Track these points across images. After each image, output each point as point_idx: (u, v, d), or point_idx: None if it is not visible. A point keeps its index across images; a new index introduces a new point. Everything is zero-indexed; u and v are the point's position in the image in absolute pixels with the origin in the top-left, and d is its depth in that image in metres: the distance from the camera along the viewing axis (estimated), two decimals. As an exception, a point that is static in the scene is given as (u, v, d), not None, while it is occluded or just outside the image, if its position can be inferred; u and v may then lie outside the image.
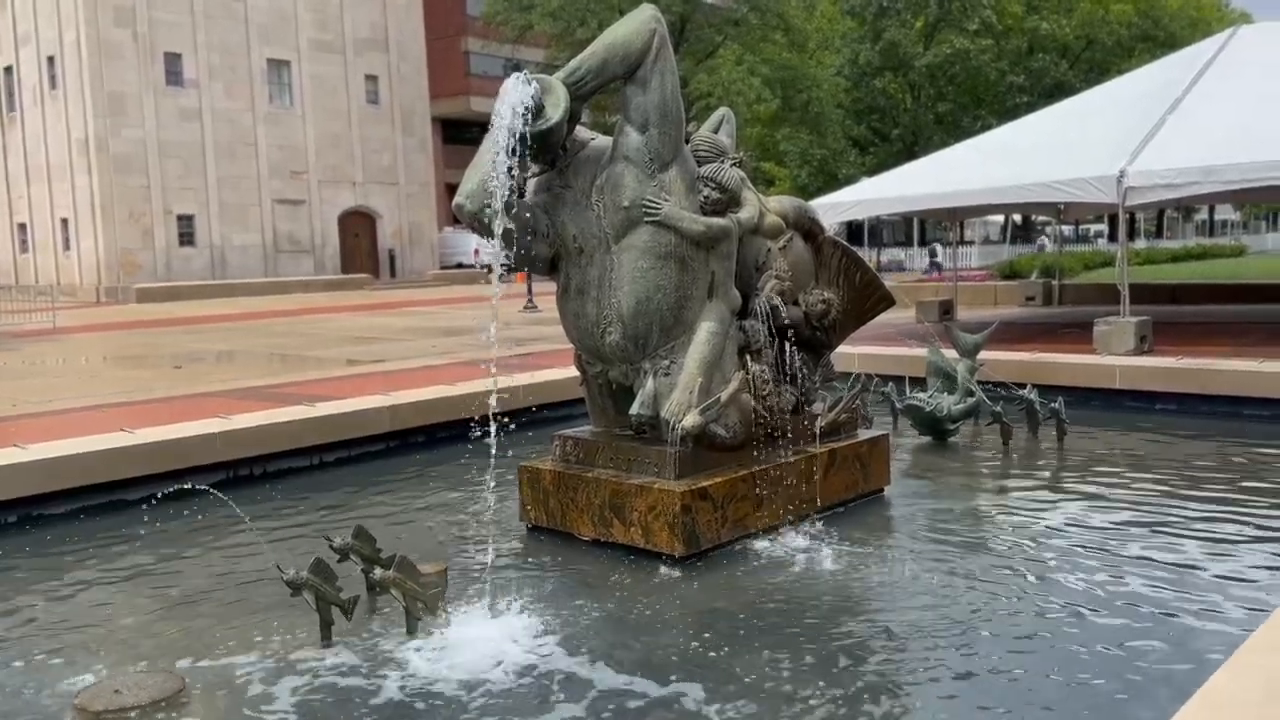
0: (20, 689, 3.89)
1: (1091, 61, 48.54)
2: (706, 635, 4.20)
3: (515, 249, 5.20)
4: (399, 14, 45.69)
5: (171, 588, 5.03)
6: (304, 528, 6.02)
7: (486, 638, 4.14)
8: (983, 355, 8.60)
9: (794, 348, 5.93)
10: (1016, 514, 5.94)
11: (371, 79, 44.67)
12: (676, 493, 5.02)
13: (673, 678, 3.79)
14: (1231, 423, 8.32)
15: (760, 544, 5.35)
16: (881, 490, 6.39)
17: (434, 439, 8.19)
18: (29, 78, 40.46)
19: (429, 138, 47.78)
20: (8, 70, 41.94)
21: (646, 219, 5.15)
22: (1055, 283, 21.90)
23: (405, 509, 6.52)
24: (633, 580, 4.91)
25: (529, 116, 4.90)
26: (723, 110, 6.33)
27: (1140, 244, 48.17)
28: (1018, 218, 53.76)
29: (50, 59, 38.95)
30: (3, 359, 15.80)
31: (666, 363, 5.29)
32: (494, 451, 4.95)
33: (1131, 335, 11.86)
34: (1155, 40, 46.59)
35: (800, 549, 5.28)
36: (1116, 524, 5.62)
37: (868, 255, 34.30)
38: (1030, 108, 27.60)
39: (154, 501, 5.79)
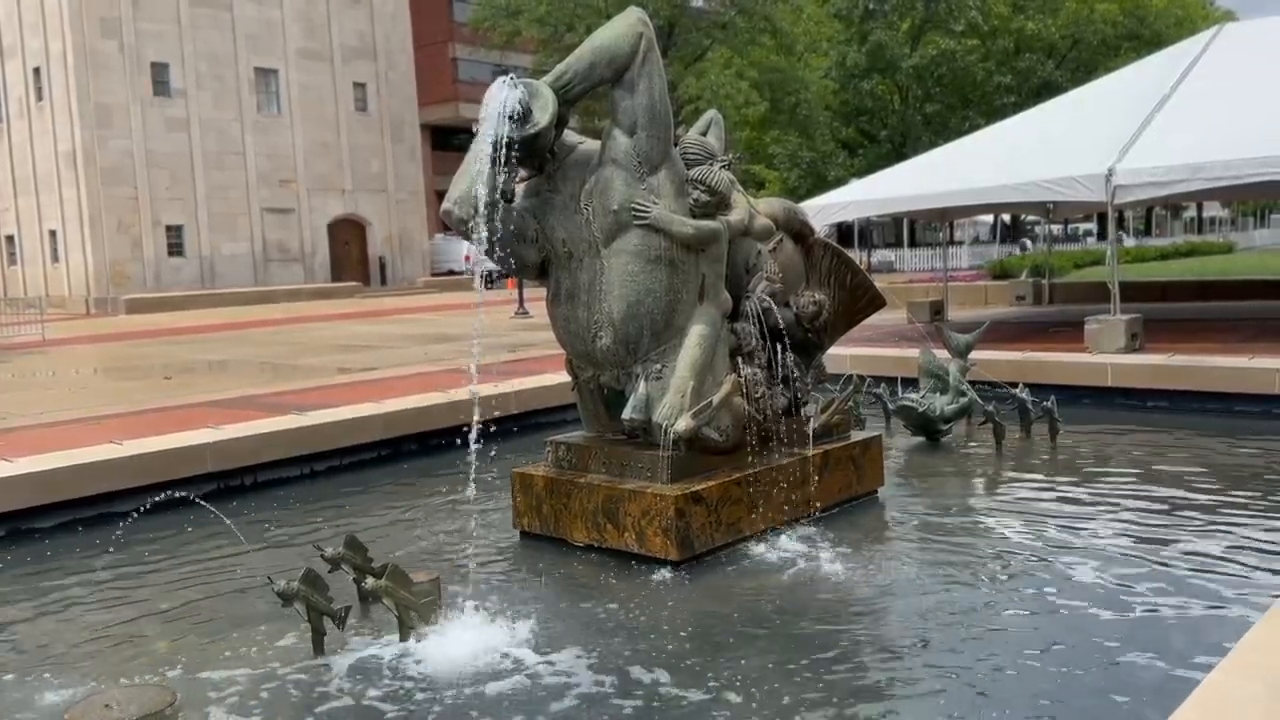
0: (9, 704, 3.85)
1: (1078, 61, 48.67)
2: (701, 640, 4.18)
3: (504, 254, 5.19)
4: (386, 22, 45.63)
5: (161, 600, 4.99)
6: (295, 538, 5.99)
7: (480, 646, 4.11)
8: (974, 355, 8.61)
9: (786, 350, 5.92)
10: (1010, 514, 5.94)
11: (360, 87, 44.58)
12: (670, 497, 4.99)
13: (667, 683, 3.77)
14: (1223, 419, 8.34)
15: (755, 547, 5.33)
16: (875, 492, 6.38)
17: (426, 446, 8.16)
18: (15, 89, 40.26)
19: (418, 145, 47.69)
20: (-7, 83, 41.81)
21: (636, 222, 5.13)
22: (1045, 282, 21.94)
23: (397, 517, 6.48)
24: (627, 585, 4.89)
25: (516, 121, 4.89)
26: (711, 113, 6.33)
27: (1129, 242, 48.34)
28: (1007, 218, 53.90)
29: (36, 70, 38.75)
30: (-9, 372, 15.70)
31: (658, 366, 5.27)
32: (476, 459, 4.93)
33: (1122, 333, 11.87)
34: (1141, 39, 46.72)
35: (795, 552, 5.26)
36: (1110, 522, 5.62)
37: (858, 257, 34.31)
38: (1018, 107, 27.66)
39: (141, 512, 5.74)
